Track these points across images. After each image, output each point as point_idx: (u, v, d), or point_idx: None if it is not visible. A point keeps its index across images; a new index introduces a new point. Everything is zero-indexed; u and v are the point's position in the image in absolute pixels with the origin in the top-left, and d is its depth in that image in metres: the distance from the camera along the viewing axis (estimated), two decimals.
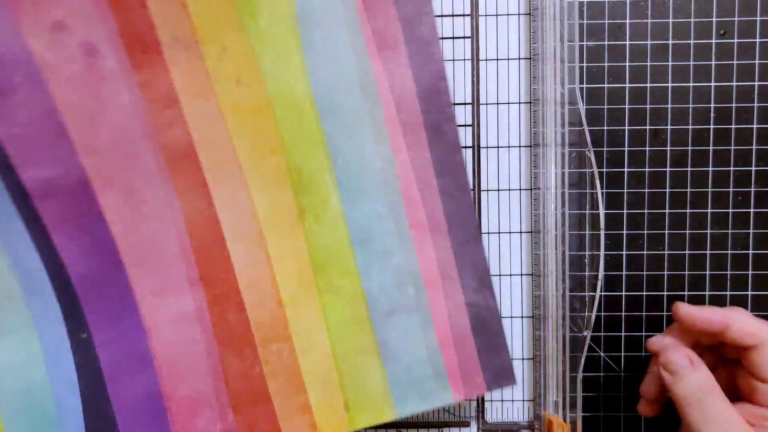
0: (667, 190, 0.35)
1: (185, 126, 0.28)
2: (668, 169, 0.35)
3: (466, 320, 0.31)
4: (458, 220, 0.30)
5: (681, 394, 0.29)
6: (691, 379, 0.29)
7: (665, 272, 0.35)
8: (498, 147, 0.34)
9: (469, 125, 0.34)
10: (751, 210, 0.33)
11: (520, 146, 0.32)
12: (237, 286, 0.30)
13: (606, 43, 0.35)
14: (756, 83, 0.33)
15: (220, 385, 0.30)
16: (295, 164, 0.29)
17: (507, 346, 0.30)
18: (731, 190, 0.33)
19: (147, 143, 0.28)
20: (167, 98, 0.28)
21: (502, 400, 0.35)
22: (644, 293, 0.35)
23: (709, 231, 0.35)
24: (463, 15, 0.32)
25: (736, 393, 0.30)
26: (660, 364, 0.30)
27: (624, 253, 0.35)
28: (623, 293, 0.35)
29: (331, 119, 0.29)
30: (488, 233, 0.34)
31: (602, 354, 0.34)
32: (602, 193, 0.35)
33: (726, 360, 0.31)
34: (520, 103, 0.33)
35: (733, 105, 0.33)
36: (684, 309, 0.30)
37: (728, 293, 0.35)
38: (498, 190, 0.34)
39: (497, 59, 0.33)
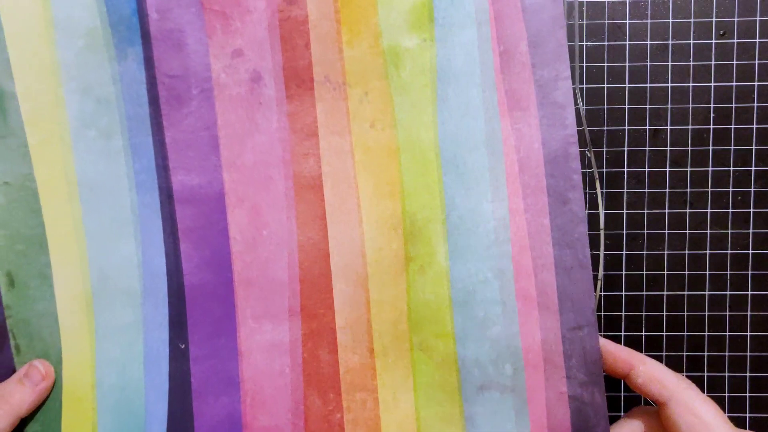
0: (667, 190, 0.35)
1: (318, 159, 0.31)
2: (668, 169, 0.35)
3: (566, 414, 0.29)
4: (572, 300, 0.30)
5: None
6: None
7: (665, 272, 0.35)
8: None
9: None
10: (751, 210, 0.34)
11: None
12: (334, 324, 0.32)
13: (606, 43, 0.35)
14: (756, 83, 0.34)
15: (299, 423, 0.32)
16: (410, 211, 0.31)
17: None
18: (731, 190, 0.34)
19: (282, 169, 0.31)
20: (308, 130, 0.31)
21: None
22: (644, 293, 0.35)
23: (709, 231, 0.35)
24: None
25: None
26: None
27: (624, 253, 0.35)
28: (623, 293, 0.35)
29: (452, 171, 0.30)
30: None
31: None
32: (602, 193, 0.35)
33: None
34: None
35: (733, 105, 0.34)
36: (601, 342, 0.30)
37: (728, 293, 0.35)
38: None
39: None
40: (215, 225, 0.32)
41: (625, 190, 0.38)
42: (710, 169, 0.37)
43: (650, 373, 0.28)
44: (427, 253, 0.31)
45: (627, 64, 0.37)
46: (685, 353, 0.39)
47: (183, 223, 0.32)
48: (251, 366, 0.32)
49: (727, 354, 0.38)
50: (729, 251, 0.38)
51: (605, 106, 0.37)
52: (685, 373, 0.39)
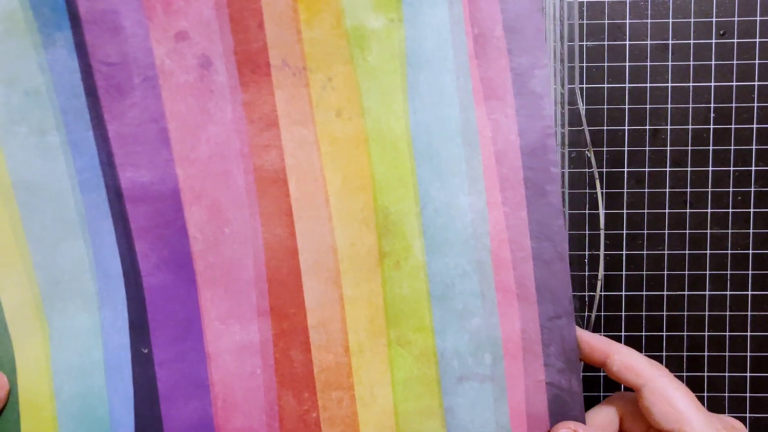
0: (667, 190, 0.35)
1: (281, 151, 0.29)
2: (668, 169, 0.35)
3: (544, 400, 0.29)
4: (551, 291, 0.29)
5: None
6: None
7: (665, 272, 0.35)
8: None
9: None
10: (751, 210, 0.34)
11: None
12: (306, 323, 0.30)
13: (606, 43, 0.35)
14: (756, 83, 0.33)
15: (273, 424, 0.30)
16: (382, 205, 0.29)
17: None
18: (731, 190, 0.34)
19: (241, 163, 0.29)
20: (268, 121, 0.29)
21: None
22: (644, 293, 0.35)
23: (709, 231, 0.35)
24: None
25: None
26: None
27: (624, 253, 0.35)
28: (623, 293, 0.35)
29: (426, 163, 0.29)
30: None
31: None
32: (602, 193, 0.35)
33: None
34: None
35: (733, 105, 0.34)
36: (577, 331, 0.29)
37: (728, 293, 0.35)
38: None
39: None
40: (172, 224, 0.29)
41: (625, 190, 0.37)
42: (710, 169, 0.36)
43: (625, 361, 0.27)
44: (403, 248, 0.29)
45: (627, 64, 0.36)
46: (685, 353, 0.38)
47: (136, 223, 0.28)
48: (220, 368, 0.29)
49: (727, 354, 0.37)
50: (729, 251, 0.37)
51: (605, 106, 0.36)
52: (685, 374, 0.38)
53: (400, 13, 0.28)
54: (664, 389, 0.27)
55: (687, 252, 0.37)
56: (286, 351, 0.30)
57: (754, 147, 0.36)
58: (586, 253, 0.36)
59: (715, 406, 0.37)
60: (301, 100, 0.28)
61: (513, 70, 0.28)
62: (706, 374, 0.38)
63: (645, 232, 0.37)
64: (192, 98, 0.28)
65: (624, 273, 0.37)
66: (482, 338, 0.29)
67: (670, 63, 0.36)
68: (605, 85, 0.37)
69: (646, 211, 0.37)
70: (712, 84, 0.36)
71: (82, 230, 0.28)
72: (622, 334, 0.38)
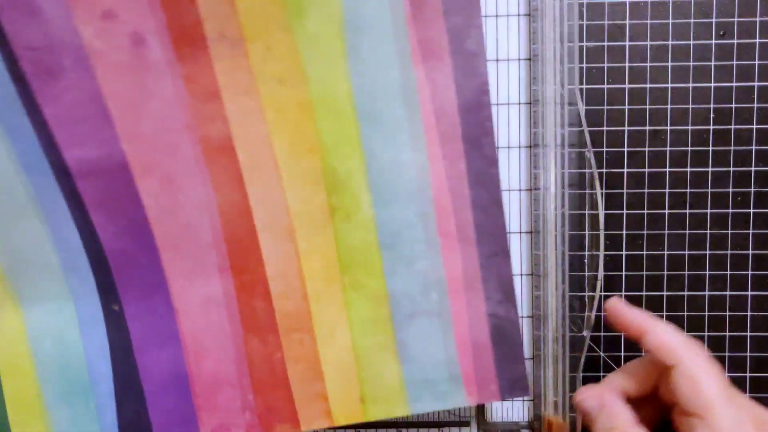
0: (667, 190, 0.35)
1: (225, 121, 0.29)
2: (668, 169, 0.35)
3: (486, 330, 0.31)
4: (488, 233, 0.31)
5: None
6: (603, 419, 0.28)
7: (665, 272, 0.35)
8: (498, 147, 0.34)
9: None
10: (751, 210, 0.34)
11: (520, 147, 0.32)
12: (265, 276, 0.31)
13: (606, 43, 0.35)
14: (756, 83, 0.33)
15: (242, 367, 0.32)
16: (330, 165, 0.30)
17: (524, 359, 0.31)
18: (731, 190, 0.33)
19: (187, 135, 0.29)
20: (209, 93, 0.29)
21: (502, 400, 0.35)
22: (644, 293, 0.35)
23: (708, 231, 0.35)
24: None
25: None
26: (576, 408, 0.29)
27: (624, 253, 0.35)
28: (623, 293, 0.35)
29: (370, 124, 0.29)
30: None
31: (602, 354, 0.34)
32: (602, 193, 0.35)
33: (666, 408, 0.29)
34: (520, 103, 0.33)
35: (733, 105, 0.33)
36: (614, 304, 0.29)
37: (728, 293, 0.35)
38: None
39: (497, 60, 0.33)
40: (125, 196, 0.29)
41: (624, 191, 0.36)
42: (710, 169, 0.35)
43: (658, 340, 0.27)
44: (352, 204, 0.30)
45: (627, 64, 0.35)
46: None
47: (90, 197, 0.29)
48: (189, 320, 0.31)
49: (727, 354, 0.35)
50: (729, 251, 0.35)
51: (605, 107, 0.35)
52: None
53: None
54: (694, 373, 0.26)
55: (687, 252, 0.36)
56: (249, 301, 0.31)
57: (754, 147, 0.34)
58: (586, 253, 0.36)
59: None
60: (242, 71, 0.28)
61: (449, 31, 0.28)
62: None
63: (645, 232, 0.36)
64: (128, 76, 0.28)
65: (624, 273, 0.37)
66: (428, 279, 0.31)
67: (670, 63, 0.34)
68: (605, 86, 0.35)
69: (645, 211, 0.36)
70: (712, 84, 0.34)
71: (35, 210, 0.29)
72: (622, 333, 0.38)
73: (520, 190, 0.35)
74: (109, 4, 0.27)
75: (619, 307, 0.29)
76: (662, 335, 0.27)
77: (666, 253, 0.36)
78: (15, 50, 0.27)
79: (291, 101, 0.29)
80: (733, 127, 0.34)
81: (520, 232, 0.36)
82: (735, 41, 0.34)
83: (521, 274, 0.36)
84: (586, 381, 0.36)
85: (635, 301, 0.36)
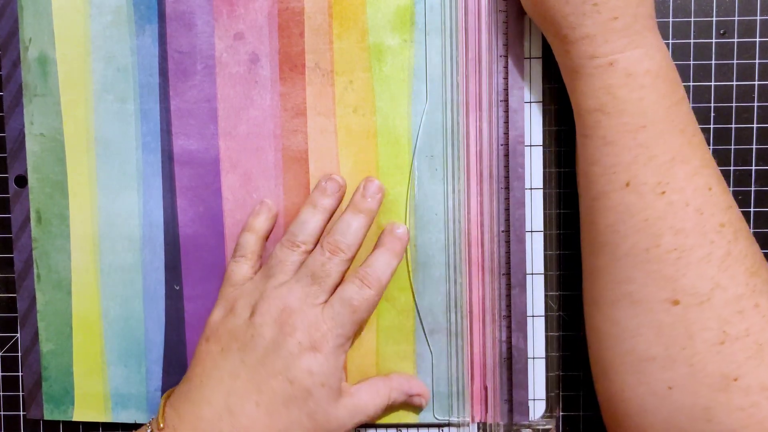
0: None
1: (305, 136, 0.35)
2: None
3: (496, 354, 0.35)
4: (510, 266, 0.34)
5: None
6: None
7: None
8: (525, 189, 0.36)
9: None
10: (751, 210, 0.33)
11: (531, 145, 0.33)
12: None
13: None
14: (756, 83, 0.33)
15: None
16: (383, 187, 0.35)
17: (527, 385, 0.34)
18: (731, 189, 0.33)
19: (272, 142, 0.35)
20: (298, 110, 0.35)
21: (502, 422, 0.35)
22: None
23: None
24: None
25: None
26: None
27: None
28: None
29: (422, 157, 0.34)
30: None
31: None
32: None
33: None
34: (531, 102, 0.35)
35: (733, 105, 0.33)
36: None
37: None
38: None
39: (530, 102, 0.35)
40: (210, 186, 0.34)
41: None
42: None
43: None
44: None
45: None
46: None
47: (181, 182, 0.34)
48: None
49: None
50: None
51: None
52: None
53: (412, 35, 0.34)
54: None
55: None
56: None
57: (754, 147, 0.34)
58: None
59: None
60: (326, 97, 0.34)
61: (496, 87, 0.34)
62: None
63: None
64: (240, 86, 0.35)
65: None
66: (452, 300, 0.34)
67: None
68: None
69: None
70: (712, 83, 0.34)
71: (138, 184, 0.35)
72: None
73: (531, 189, 0.36)
74: (241, 27, 0.34)
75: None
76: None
77: None
78: (168, 51, 0.35)
79: (360, 128, 0.34)
80: (733, 126, 0.34)
81: (532, 231, 0.36)
82: (735, 40, 0.34)
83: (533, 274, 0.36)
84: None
85: None
